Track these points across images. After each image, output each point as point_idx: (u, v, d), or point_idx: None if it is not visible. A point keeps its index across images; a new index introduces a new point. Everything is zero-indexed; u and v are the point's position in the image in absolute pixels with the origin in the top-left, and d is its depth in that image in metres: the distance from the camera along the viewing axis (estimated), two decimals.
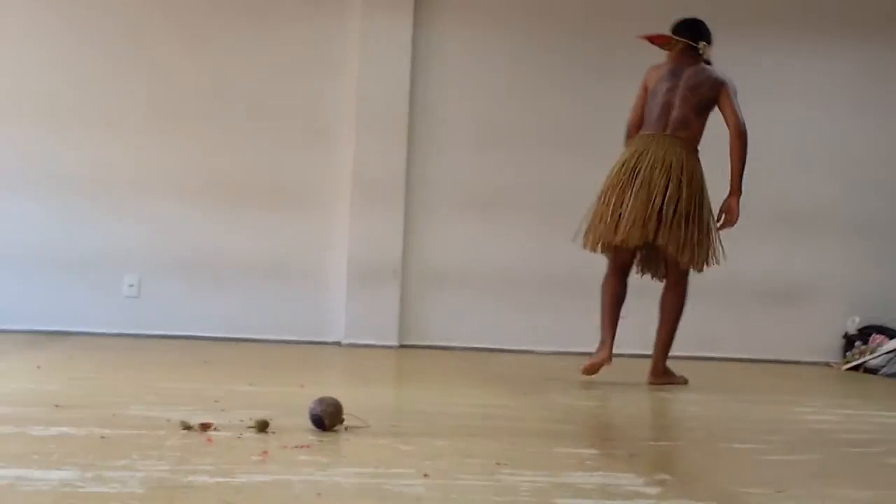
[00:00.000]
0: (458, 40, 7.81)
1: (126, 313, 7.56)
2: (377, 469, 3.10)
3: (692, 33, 5.98)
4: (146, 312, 7.57)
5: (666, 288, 6.00)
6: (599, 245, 5.84)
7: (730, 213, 5.84)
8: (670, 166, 5.64)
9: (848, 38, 8.07)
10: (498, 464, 3.26)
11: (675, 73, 5.84)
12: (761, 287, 7.96)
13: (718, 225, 5.85)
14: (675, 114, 5.75)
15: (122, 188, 7.56)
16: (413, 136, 7.72)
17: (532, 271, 7.81)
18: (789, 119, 8.00)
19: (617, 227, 5.66)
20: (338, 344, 7.62)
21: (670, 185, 5.60)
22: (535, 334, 7.80)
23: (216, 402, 4.29)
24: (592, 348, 7.47)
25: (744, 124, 5.80)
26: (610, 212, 5.71)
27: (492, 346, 7.73)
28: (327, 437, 3.58)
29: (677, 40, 5.94)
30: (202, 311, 7.60)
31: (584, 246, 5.93)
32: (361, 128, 7.63)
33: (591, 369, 5.75)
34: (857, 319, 7.90)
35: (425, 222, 7.75)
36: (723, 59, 7.82)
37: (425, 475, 3.03)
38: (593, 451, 3.57)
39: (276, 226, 7.65)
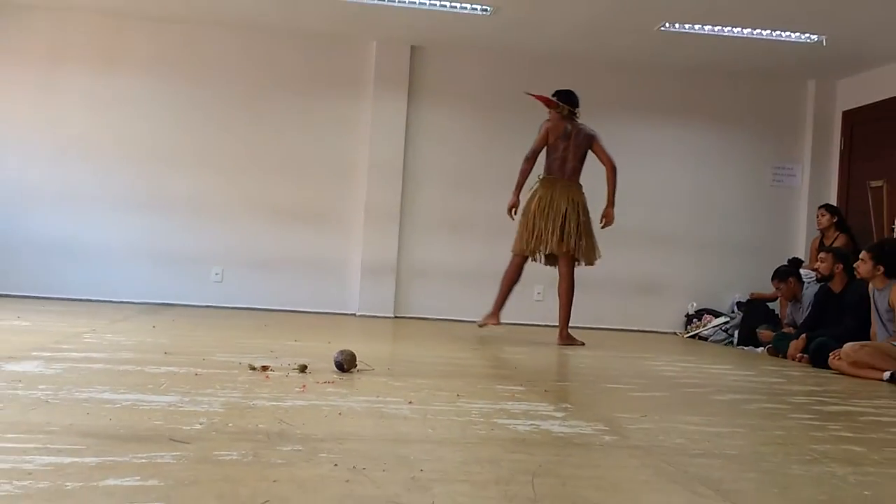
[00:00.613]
0: (436, 114, 7.84)
1: (212, 292, 7.55)
2: (378, 397, 3.14)
3: (572, 101, 6.09)
4: (226, 292, 7.56)
5: (561, 278, 6.03)
6: (519, 250, 6.10)
7: (609, 218, 6.04)
8: (569, 201, 5.86)
9: (698, 122, 8.13)
10: (458, 395, 3.31)
11: (566, 135, 5.96)
12: (633, 281, 8.03)
13: (601, 225, 6.06)
14: (569, 165, 5.96)
15: (210, 208, 7.55)
16: (406, 179, 7.75)
17: (482, 268, 7.81)
18: (657, 170, 8.08)
19: (528, 243, 5.94)
20: (353, 315, 7.62)
21: (569, 212, 5.84)
22: (482, 310, 7.78)
23: (272, 352, 4.31)
24: (522, 319, 7.55)
25: (613, 160, 6.02)
26: (527, 232, 5.94)
27: (455, 318, 7.75)
28: (346, 377, 3.61)
29: (564, 106, 6.02)
30: (263, 291, 7.60)
31: (512, 251, 6.17)
32: (371, 173, 7.65)
33: (483, 323, 6.21)
34: (695, 304, 7.98)
35: (412, 236, 7.78)
36: (620, 131, 8.00)
37: (410, 402, 3.08)
38: (521, 388, 3.62)
39: (314, 236, 7.66)
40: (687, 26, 6.69)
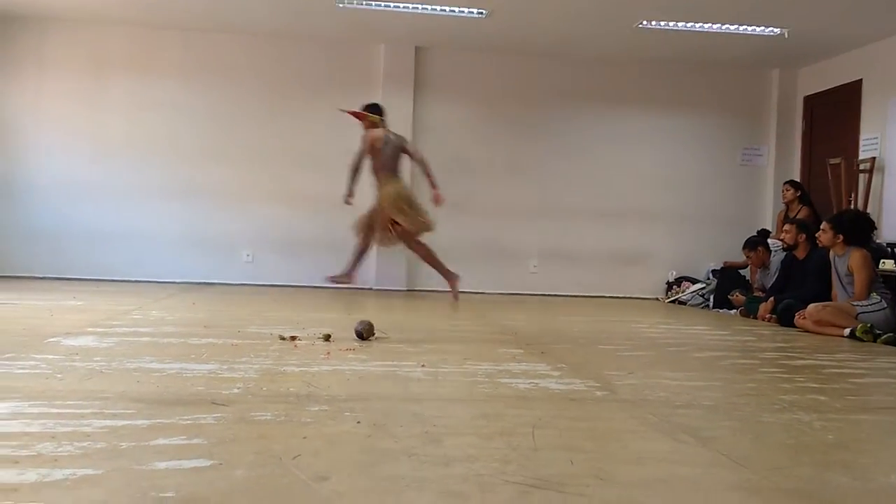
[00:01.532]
0: (440, 109, 7.80)
1: (244, 272, 7.56)
2: (394, 362, 3.15)
3: (380, 112, 6.48)
4: (256, 271, 7.57)
5: (416, 244, 6.41)
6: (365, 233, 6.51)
7: (439, 199, 6.38)
8: (398, 193, 6.26)
9: (673, 109, 8.09)
10: (465, 359, 3.32)
11: (387, 141, 6.34)
12: (618, 253, 8.03)
13: (436, 205, 6.40)
14: (391, 164, 6.37)
15: (240, 197, 7.55)
16: (413, 168, 7.70)
17: (482, 243, 7.84)
18: (638, 154, 8.05)
19: (373, 228, 6.41)
20: (370, 289, 7.62)
21: (398, 201, 6.23)
22: (484, 281, 7.83)
23: (299, 323, 4.33)
24: (519, 289, 7.56)
25: (420, 153, 6.56)
26: (370, 219, 6.44)
27: (460, 290, 7.73)
28: (365, 344, 3.63)
29: (376, 117, 6.42)
30: (289, 269, 7.61)
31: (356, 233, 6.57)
32: None
33: (333, 281, 6.58)
34: (674, 272, 7.97)
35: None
36: (604, 120, 7.95)
37: (422, 365, 3.09)
38: (520, 351, 3.63)
39: (332, 220, 7.61)
40: (662, 23, 6.63)
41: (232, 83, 7.55)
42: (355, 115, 6.44)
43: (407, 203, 6.23)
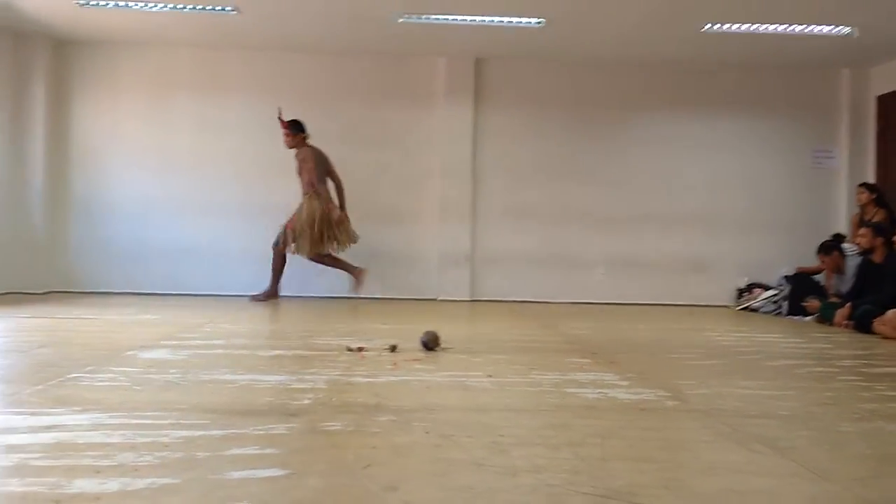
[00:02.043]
0: (500, 119, 7.81)
1: (313, 284, 7.61)
2: (460, 372, 3.16)
3: (303, 130, 6.88)
4: (324, 283, 7.61)
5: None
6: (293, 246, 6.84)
7: (342, 220, 6.88)
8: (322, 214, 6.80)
9: (741, 113, 7.93)
10: (531, 368, 3.31)
11: (320, 155, 6.79)
12: (687, 259, 7.88)
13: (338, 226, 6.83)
14: (324, 178, 6.87)
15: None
16: (475, 177, 7.75)
17: (545, 252, 7.80)
18: (707, 159, 7.92)
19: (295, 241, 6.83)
20: (434, 299, 7.65)
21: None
22: (548, 290, 7.78)
23: (365, 334, 4.38)
24: (586, 298, 7.50)
25: (339, 176, 6.97)
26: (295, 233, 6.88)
27: (524, 299, 7.74)
28: (431, 355, 3.64)
29: (303, 133, 6.83)
30: (349, 280, 7.67)
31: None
32: (445, 172, 7.68)
33: (256, 299, 6.83)
34: (745, 279, 7.77)
35: (483, 227, 7.78)
36: (671, 126, 7.85)
37: (488, 375, 3.09)
38: (587, 360, 3.60)
39: (397, 231, 7.72)
40: (727, 26, 6.51)
41: (294, 101, 7.65)
42: (286, 126, 6.84)
43: (327, 223, 6.71)
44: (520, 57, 7.72)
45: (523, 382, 2.94)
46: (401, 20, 6.50)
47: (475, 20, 6.51)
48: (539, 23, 6.53)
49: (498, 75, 7.81)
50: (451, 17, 6.47)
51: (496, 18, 6.47)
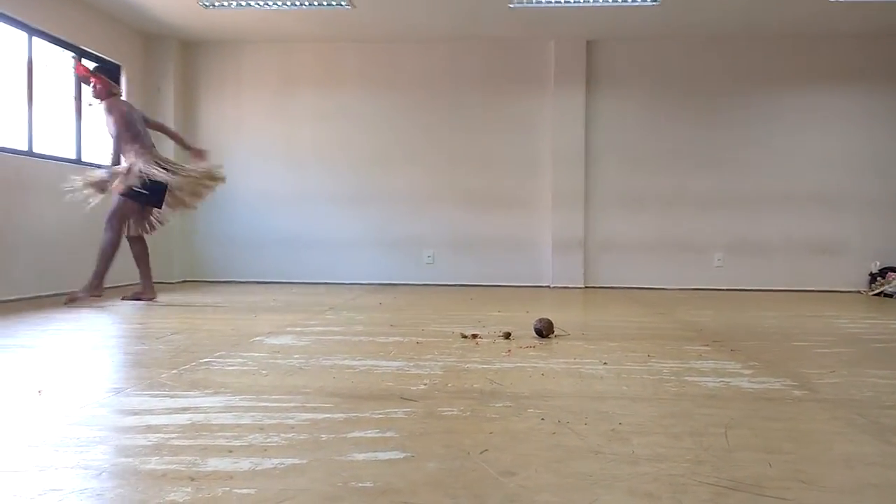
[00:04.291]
0: (612, 102, 7.65)
1: (426, 272, 7.78)
2: (575, 359, 3.12)
3: (117, 80, 5.72)
4: (437, 271, 7.77)
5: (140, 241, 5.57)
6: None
7: (202, 154, 5.72)
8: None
9: (869, 85, 7.47)
10: (649, 356, 3.23)
11: (132, 108, 5.49)
12: (812, 242, 7.51)
13: (203, 160, 5.69)
14: (146, 138, 5.52)
15: (421, 200, 7.77)
16: (587, 164, 7.63)
17: (660, 238, 7.60)
18: (832, 134, 7.50)
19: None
20: (548, 287, 7.61)
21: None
22: (663, 276, 7.59)
23: (479, 321, 4.39)
24: (703, 284, 7.25)
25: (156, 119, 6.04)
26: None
27: (637, 285, 7.58)
28: (545, 342, 3.62)
29: (116, 89, 5.49)
30: (468, 269, 7.74)
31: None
32: (557, 161, 7.59)
33: (71, 301, 5.27)
34: (878, 263, 7.34)
35: (595, 214, 7.65)
36: (794, 99, 7.47)
37: (604, 363, 3.04)
38: (707, 348, 3.48)
39: (510, 219, 7.71)
40: None
41: (409, 90, 7.79)
42: (86, 75, 5.41)
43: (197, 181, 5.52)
44: (632, 37, 7.54)
45: (641, 370, 2.88)
46: (512, 5, 6.46)
47: (587, 2, 6.39)
48: (654, 1, 6.34)
49: (610, 57, 7.65)
50: (562, 1, 6.38)
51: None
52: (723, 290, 7.44)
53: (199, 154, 5.67)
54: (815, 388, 2.58)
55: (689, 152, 7.61)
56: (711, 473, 1.63)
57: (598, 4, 6.43)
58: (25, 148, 5.81)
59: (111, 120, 5.32)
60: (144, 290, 5.53)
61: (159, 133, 5.81)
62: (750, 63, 7.57)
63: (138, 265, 5.53)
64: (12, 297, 5.55)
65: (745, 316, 5.12)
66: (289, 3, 6.49)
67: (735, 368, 2.94)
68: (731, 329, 4.31)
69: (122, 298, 5.54)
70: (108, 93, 5.43)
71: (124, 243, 5.45)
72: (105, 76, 5.44)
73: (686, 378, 2.73)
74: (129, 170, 5.30)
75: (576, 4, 6.44)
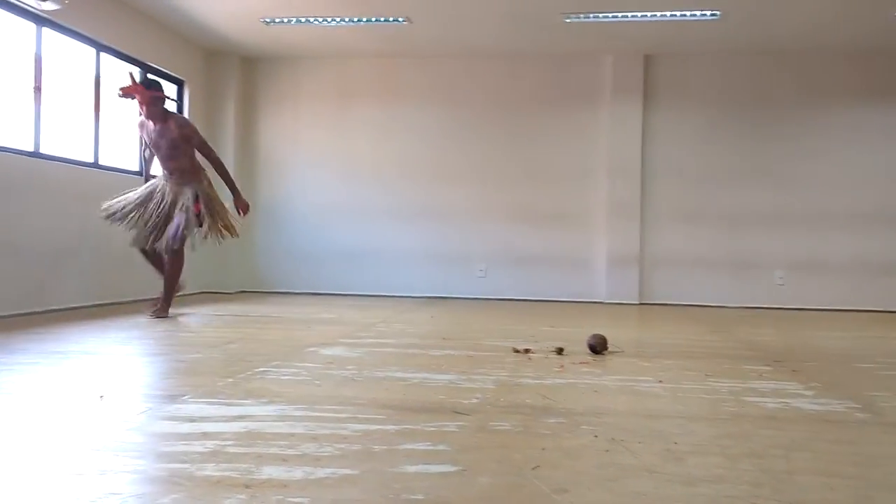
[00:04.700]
0: (670, 116, 7.56)
1: (478, 286, 7.77)
2: (629, 377, 3.08)
3: (160, 89, 5.01)
4: (489, 285, 7.76)
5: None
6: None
7: (244, 208, 5.29)
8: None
9: None
10: (706, 375, 3.18)
11: (162, 131, 5.03)
12: (878, 261, 7.31)
13: (242, 215, 5.30)
14: (178, 159, 5.10)
15: (474, 214, 7.78)
16: (643, 177, 7.54)
17: (719, 254, 7.46)
18: (895, 152, 7.27)
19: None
20: (601, 302, 7.53)
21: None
22: (722, 294, 7.44)
23: (532, 336, 4.36)
24: (764, 303, 7.08)
25: (214, 151, 5.20)
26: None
27: (694, 303, 7.45)
28: (598, 358, 3.58)
29: (161, 95, 4.99)
30: (520, 283, 7.72)
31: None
32: (612, 173, 7.53)
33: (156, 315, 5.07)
34: None
35: (651, 229, 7.55)
36: (857, 117, 7.27)
37: (660, 381, 2.99)
38: (768, 368, 3.40)
39: (563, 233, 7.66)
40: None
41: (465, 105, 7.83)
42: (132, 91, 4.86)
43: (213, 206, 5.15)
44: (692, 52, 7.44)
45: (698, 389, 2.83)
46: (567, 20, 6.45)
47: (645, 16, 6.34)
48: (714, 15, 6.26)
49: (668, 72, 7.56)
50: (619, 15, 6.34)
51: (667, 13, 6.28)
52: (784, 308, 7.26)
53: (242, 206, 5.28)
54: (879, 411, 2.49)
55: (749, 168, 7.46)
56: (771, 496, 1.59)
57: (656, 19, 6.37)
58: (91, 160, 6.01)
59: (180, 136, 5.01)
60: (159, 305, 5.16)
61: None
62: (812, 77, 7.40)
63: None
64: (74, 305, 5.72)
65: (806, 335, 4.99)
66: (347, 19, 6.59)
67: (796, 389, 2.86)
68: (793, 349, 4.20)
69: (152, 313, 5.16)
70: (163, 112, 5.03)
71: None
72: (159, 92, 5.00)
73: (745, 398, 2.67)
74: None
75: (633, 19, 6.39)
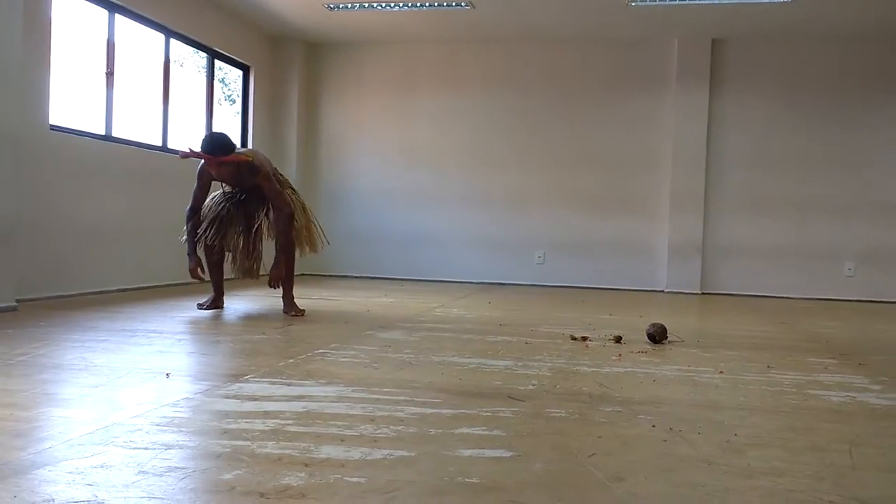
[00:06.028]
0: (737, 102, 7.37)
1: (536, 272, 7.74)
2: (689, 367, 3.04)
3: (230, 149, 4.32)
4: (547, 272, 7.72)
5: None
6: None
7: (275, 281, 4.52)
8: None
9: None
10: (769, 367, 3.12)
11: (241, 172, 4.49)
12: None
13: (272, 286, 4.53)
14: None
15: (533, 200, 7.74)
16: (708, 165, 7.39)
17: (785, 245, 7.27)
18: None
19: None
20: (662, 291, 7.42)
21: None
22: (787, 285, 7.26)
23: (590, 324, 4.34)
24: (833, 295, 6.87)
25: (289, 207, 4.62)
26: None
27: (759, 293, 7.28)
28: (658, 347, 3.54)
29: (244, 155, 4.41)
30: (579, 270, 7.66)
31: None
32: (676, 161, 7.39)
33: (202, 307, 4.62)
34: None
35: (715, 217, 7.40)
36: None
37: (720, 372, 2.95)
38: (833, 361, 3.32)
39: (624, 220, 7.57)
40: None
41: (527, 90, 7.78)
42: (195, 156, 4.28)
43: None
44: (761, 35, 7.24)
45: (759, 381, 2.77)
46: (633, 4, 6.34)
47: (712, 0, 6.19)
48: None
49: (736, 56, 7.38)
50: None
51: None
52: (853, 301, 7.05)
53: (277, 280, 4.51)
54: None
55: (819, 155, 7.24)
56: (833, 491, 1.56)
57: (724, 2, 6.21)
58: (160, 143, 6.17)
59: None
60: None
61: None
62: (885, 64, 7.12)
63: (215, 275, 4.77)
64: (149, 284, 5.90)
65: (875, 329, 4.84)
66: (410, 5, 6.61)
67: (862, 383, 2.79)
68: (860, 342, 4.08)
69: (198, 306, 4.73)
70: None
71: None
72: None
73: (808, 391, 2.61)
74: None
75: (701, 2, 6.25)
